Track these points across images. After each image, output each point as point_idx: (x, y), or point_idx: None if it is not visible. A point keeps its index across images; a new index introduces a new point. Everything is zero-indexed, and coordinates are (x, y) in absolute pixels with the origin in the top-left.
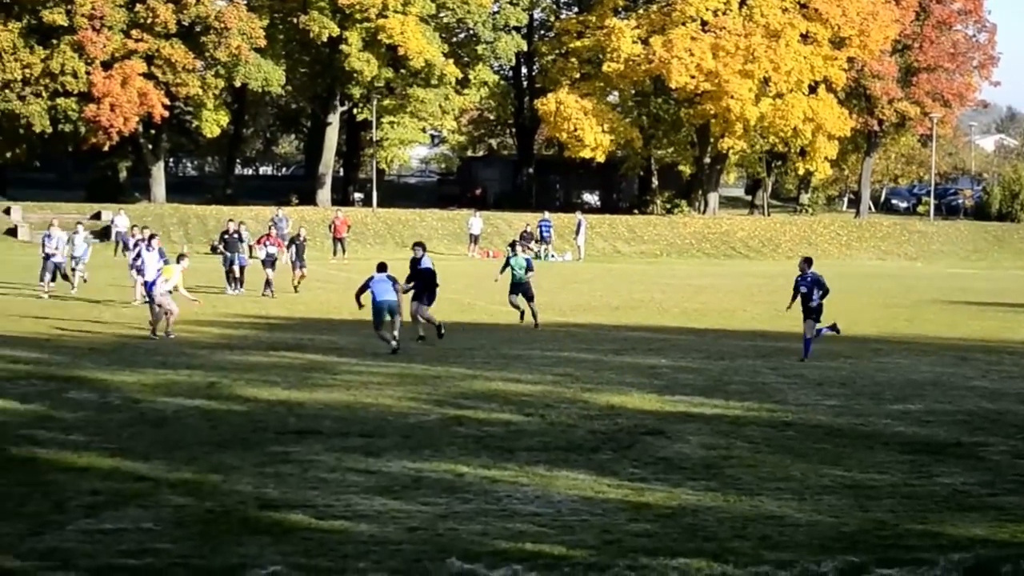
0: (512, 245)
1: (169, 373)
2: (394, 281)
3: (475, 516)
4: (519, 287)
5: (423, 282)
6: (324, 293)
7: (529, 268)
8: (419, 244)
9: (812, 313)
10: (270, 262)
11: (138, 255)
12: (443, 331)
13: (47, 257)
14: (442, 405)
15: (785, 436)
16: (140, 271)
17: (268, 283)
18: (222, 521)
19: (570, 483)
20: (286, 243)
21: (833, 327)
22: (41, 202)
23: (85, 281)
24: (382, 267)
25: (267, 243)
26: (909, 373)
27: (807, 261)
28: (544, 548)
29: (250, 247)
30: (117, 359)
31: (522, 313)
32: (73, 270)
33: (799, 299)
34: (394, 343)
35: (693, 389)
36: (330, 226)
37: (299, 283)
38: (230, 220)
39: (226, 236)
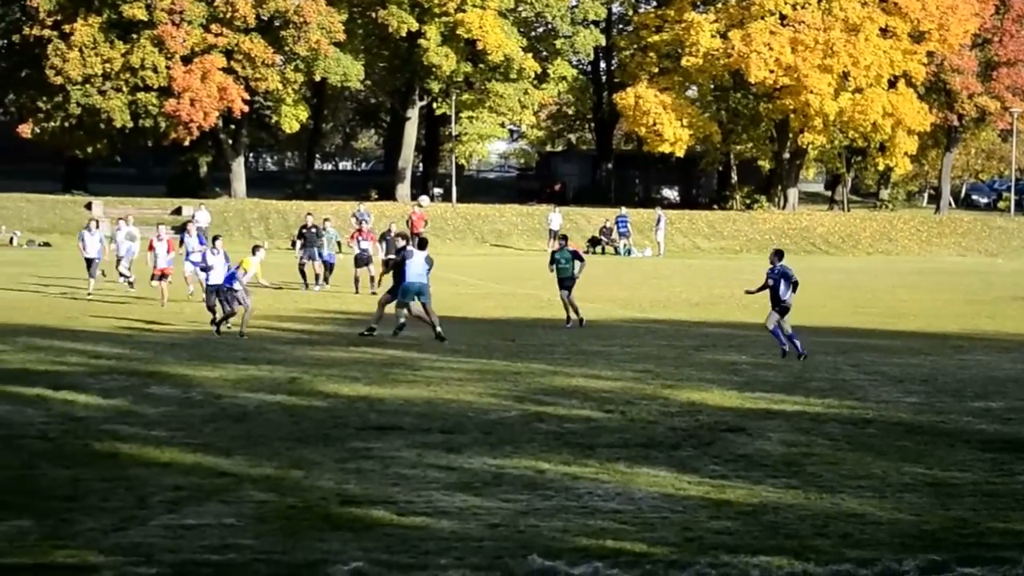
0: (563, 238)
1: (251, 368)
2: (431, 264)
3: (556, 513)
4: (566, 282)
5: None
6: None
7: (577, 257)
8: (403, 235)
9: (778, 307)
10: (364, 259)
11: (203, 257)
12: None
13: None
14: (523, 401)
15: (866, 433)
16: (203, 268)
17: (358, 279)
18: (304, 516)
19: (651, 480)
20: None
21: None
22: (121, 197)
23: (131, 285)
24: (423, 244)
25: (360, 239)
26: (991, 370)
27: (777, 254)
28: (625, 545)
29: (339, 243)
30: (198, 354)
31: (570, 316)
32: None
33: (768, 292)
34: (438, 328)
35: (774, 386)
36: (407, 221)
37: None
38: (308, 214)
39: (304, 231)
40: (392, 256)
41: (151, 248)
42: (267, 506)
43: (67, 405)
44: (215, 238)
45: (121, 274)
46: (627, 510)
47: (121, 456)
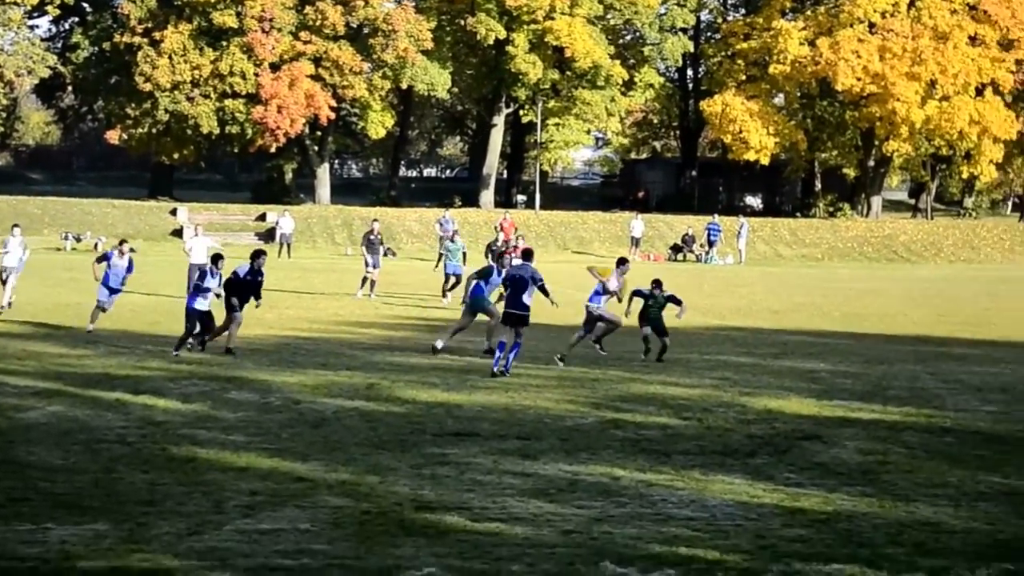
0: (656, 284)
1: (329, 374)
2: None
3: (630, 520)
4: (651, 321)
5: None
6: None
7: (675, 300)
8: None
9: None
10: None
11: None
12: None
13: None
14: (599, 408)
15: (943, 442)
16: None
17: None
18: (378, 522)
19: (725, 487)
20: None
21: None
22: (207, 203)
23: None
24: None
25: (512, 257)
26: None
27: (525, 253)
28: (698, 552)
29: (464, 254)
30: (278, 360)
31: (647, 349)
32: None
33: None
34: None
35: (851, 394)
36: (497, 228)
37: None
38: (374, 220)
39: (370, 237)
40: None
41: None
42: (342, 512)
43: (146, 410)
44: (216, 257)
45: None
46: (701, 517)
47: (199, 461)
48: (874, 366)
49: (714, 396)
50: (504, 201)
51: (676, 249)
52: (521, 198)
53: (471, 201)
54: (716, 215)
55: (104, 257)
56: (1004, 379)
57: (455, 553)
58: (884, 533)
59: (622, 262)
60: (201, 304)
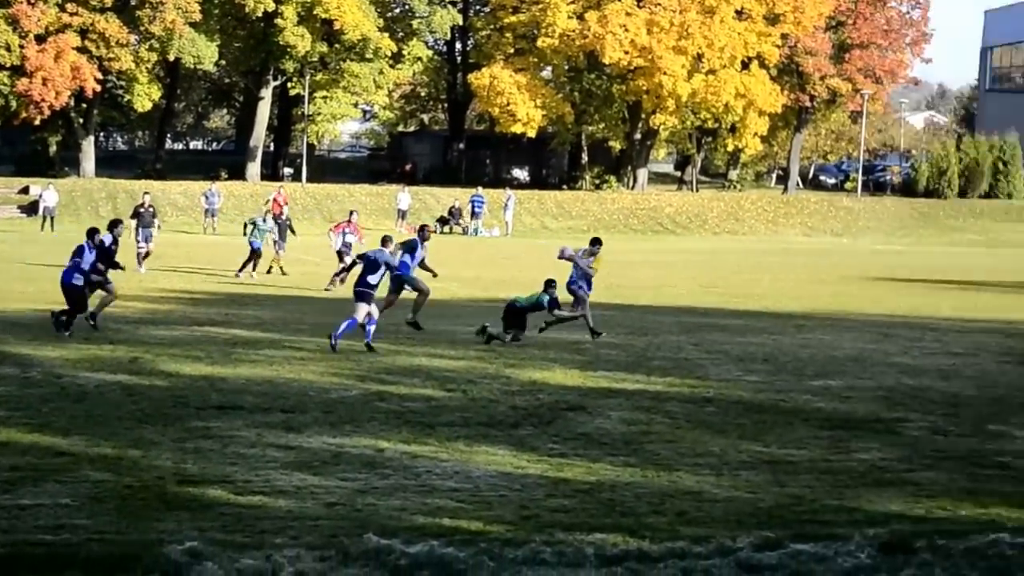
0: (550, 283)
1: (92, 348)
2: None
3: (394, 491)
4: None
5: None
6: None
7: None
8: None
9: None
10: (347, 251)
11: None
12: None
13: None
14: (364, 380)
15: (705, 412)
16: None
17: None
18: (140, 496)
19: (489, 458)
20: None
21: None
22: None
23: None
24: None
25: (347, 230)
26: (831, 349)
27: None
28: (461, 523)
29: (274, 241)
30: (40, 333)
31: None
32: None
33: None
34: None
35: (616, 365)
36: (267, 201)
37: (282, 264)
38: (146, 193)
39: (140, 210)
40: (284, 240)
41: None
42: (104, 486)
43: None
44: (92, 232)
45: None
46: (465, 488)
47: None
48: (639, 337)
49: (479, 368)
50: (271, 174)
51: (442, 221)
52: (288, 171)
53: (238, 174)
54: (480, 187)
55: None
56: (766, 349)
57: (218, 526)
58: (647, 502)
59: (595, 242)
60: (79, 280)
